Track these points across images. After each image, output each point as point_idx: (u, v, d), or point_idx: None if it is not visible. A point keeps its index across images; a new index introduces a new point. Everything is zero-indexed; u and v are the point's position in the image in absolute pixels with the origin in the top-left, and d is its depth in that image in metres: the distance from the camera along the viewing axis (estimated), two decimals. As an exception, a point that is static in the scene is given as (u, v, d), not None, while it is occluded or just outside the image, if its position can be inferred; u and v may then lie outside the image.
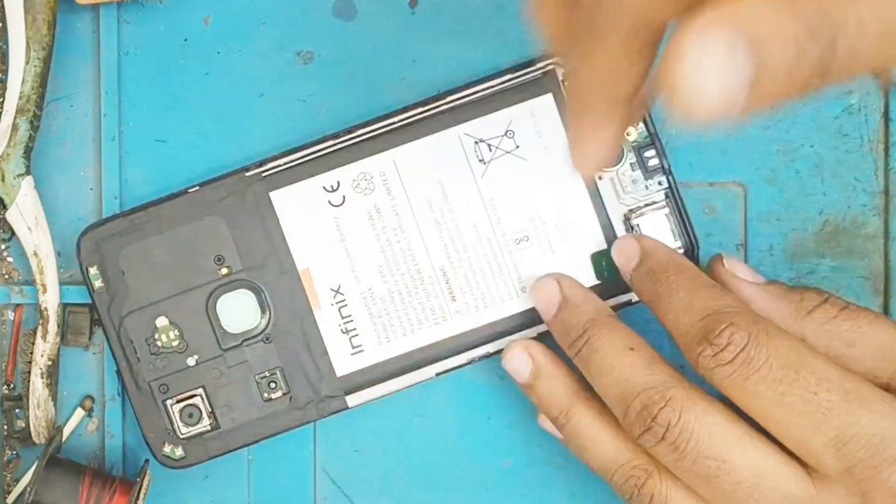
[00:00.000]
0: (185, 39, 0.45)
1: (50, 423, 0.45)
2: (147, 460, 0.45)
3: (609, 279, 0.44)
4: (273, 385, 0.44)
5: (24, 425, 0.45)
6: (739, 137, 0.45)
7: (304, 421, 0.44)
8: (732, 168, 0.46)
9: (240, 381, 0.44)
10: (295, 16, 0.45)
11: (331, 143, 0.43)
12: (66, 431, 0.46)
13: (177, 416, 0.44)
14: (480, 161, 0.44)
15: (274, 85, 0.45)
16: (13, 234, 0.45)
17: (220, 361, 0.44)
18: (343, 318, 0.44)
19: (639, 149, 0.44)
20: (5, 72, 0.44)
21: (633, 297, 0.43)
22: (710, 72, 0.25)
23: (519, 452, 0.46)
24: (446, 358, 0.44)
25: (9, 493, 0.46)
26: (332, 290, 0.44)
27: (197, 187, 0.43)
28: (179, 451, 0.44)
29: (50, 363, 0.45)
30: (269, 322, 0.44)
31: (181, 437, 0.44)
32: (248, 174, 0.43)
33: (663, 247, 0.42)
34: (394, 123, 0.43)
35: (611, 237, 0.44)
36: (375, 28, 0.45)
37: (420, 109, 0.43)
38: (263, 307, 0.44)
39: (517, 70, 0.43)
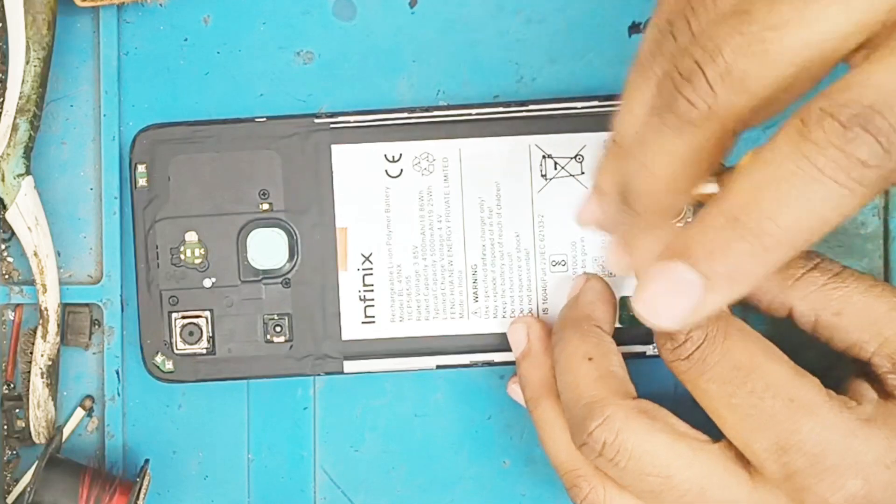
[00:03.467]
0: (185, 39, 0.45)
1: (50, 423, 0.45)
2: (147, 460, 0.45)
3: (629, 326, 0.44)
4: (278, 329, 0.44)
5: (24, 425, 0.45)
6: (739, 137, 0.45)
7: (298, 372, 0.44)
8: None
9: (248, 315, 0.44)
10: (295, 16, 0.45)
11: (405, 115, 0.44)
12: (66, 431, 0.46)
13: (178, 330, 0.44)
14: (542, 176, 0.44)
15: (274, 85, 0.45)
16: (13, 234, 0.45)
17: (235, 291, 0.44)
18: (365, 285, 0.44)
19: None
20: (5, 72, 0.44)
21: (649, 349, 0.44)
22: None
23: (519, 452, 0.46)
24: (452, 354, 0.44)
25: (9, 493, 0.46)
26: (363, 255, 0.44)
27: (264, 118, 0.44)
28: (169, 365, 0.44)
29: (50, 363, 0.45)
30: (293, 268, 0.44)
31: (176, 351, 0.44)
32: (317, 121, 0.44)
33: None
34: (471, 115, 0.44)
35: None
36: (375, 28, 0.45)
37: (501, 108, 0.44)
38: (292, 252, 0.44)
39: (605, 99, 0.43)
